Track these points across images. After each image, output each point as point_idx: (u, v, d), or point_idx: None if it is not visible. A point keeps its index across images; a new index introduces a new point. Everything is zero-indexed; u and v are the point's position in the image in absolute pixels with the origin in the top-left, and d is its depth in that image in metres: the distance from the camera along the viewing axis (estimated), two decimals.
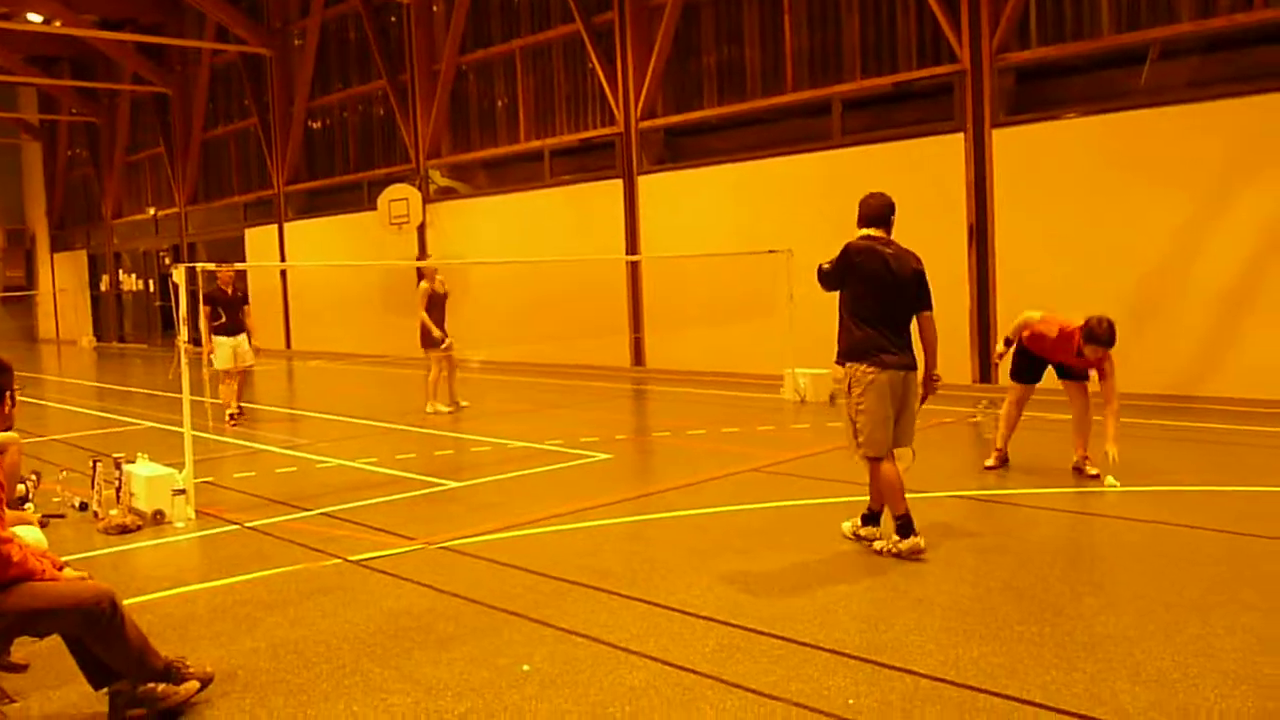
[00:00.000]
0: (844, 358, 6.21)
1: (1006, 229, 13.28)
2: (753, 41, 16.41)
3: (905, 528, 6.06)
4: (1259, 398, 11.26)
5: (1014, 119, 13.31)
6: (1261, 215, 11.35)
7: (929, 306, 6.30)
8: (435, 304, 13.29)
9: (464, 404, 13.52)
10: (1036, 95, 13.37)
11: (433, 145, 21.77)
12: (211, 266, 10.54)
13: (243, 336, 13.02)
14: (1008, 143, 13.27)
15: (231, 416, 12.80)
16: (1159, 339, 12.01)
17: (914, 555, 5.97)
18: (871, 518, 6.43)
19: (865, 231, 6.24)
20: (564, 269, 18.07)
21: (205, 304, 12.58)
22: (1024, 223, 13.13)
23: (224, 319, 12.85)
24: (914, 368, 6.21)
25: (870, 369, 6.06)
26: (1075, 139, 12.71)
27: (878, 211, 6.27)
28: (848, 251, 6.13)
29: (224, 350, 12.79)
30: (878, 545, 6.17)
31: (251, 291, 15.71)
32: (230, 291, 12.96)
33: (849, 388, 6.19)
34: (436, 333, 12.99)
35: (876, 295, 6.11)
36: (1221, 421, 10.51)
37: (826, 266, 6.24)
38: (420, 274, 13.66)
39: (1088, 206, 12.57)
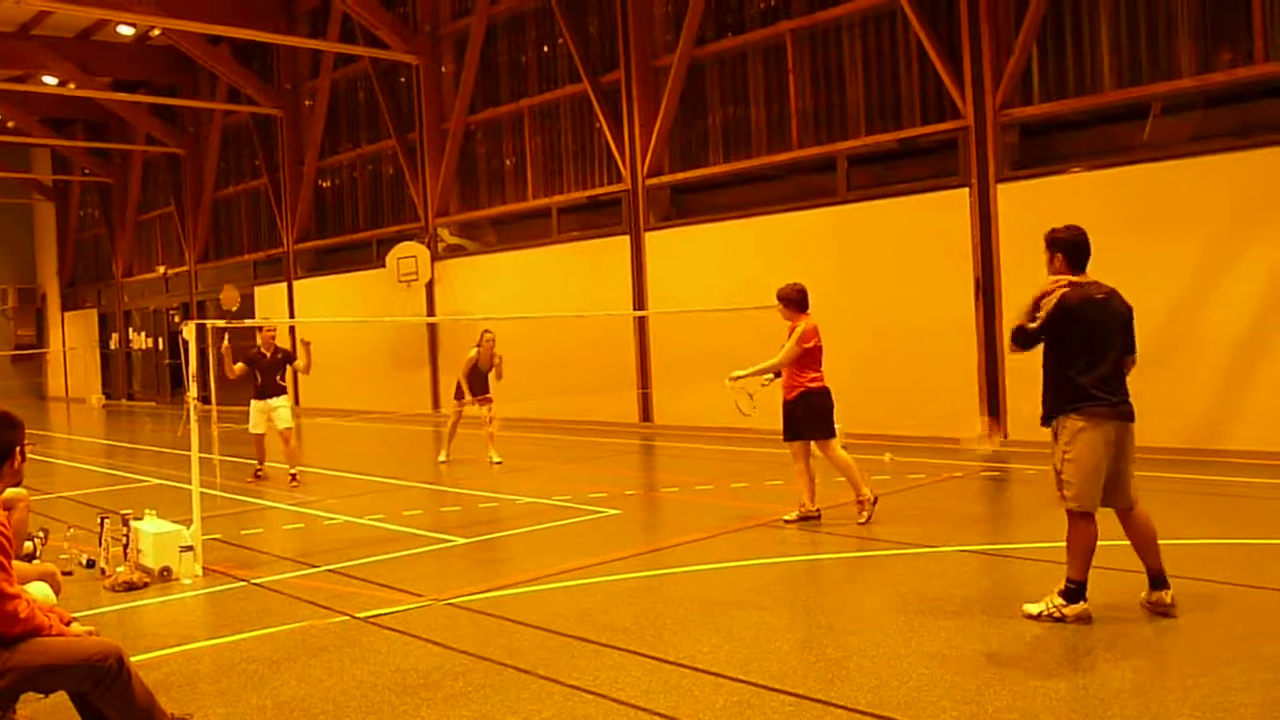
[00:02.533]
0: (1051, 413, 5.83)
1: (1013, 283, 13.28)
2: (758, 99, 16.58)
3: (1076, 593, 5.70)
4: (1271, 449, 11.18)
5: (1018, 174, 13.39)
6: (1268, 266, 11.36)
7: (1134, 350, 5.99)
8: (477, 372, 13.36)
9: (497, 460, 13.31)
10: (1041, 150, 13.48)
11: (441, 203, 21.96)
12: (223, 324, 10.12)
13: (277, 400, 12.64)
14: (1013, 197, 13.34)
15: (257, 474, 12.75)
16: (1168, 392, 11.96)
17: (1080, 622, 5.61)
18: (1077, 591, 5.78)
19: (1071, 277, 5.95)
20: (572, 325, 18.13)
21: (245, 364, 12.50)
22: (1030, 277, 12.87)
23: (259, 381, 12.60)
24: (1132, 418, 5.81)
25: (1080, 420, 5.68)
26: (1080, 193, 12.77)
27: (1085, 250, 5.98)
28: (1065, 307, 5.79)
29: (253, 413, 12.64)
30: (1031, 608, 5.76)
31: None
32: (269, 355, 12.62)
33: (1055, 437, 5.83)
34: (464, 387, 13.36)
35: (1089, 345, 5.80)
36: (1234, 474, 10.45)
37: (1032, 325, 5.82)
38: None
39: (1094, 260, 12.45)
